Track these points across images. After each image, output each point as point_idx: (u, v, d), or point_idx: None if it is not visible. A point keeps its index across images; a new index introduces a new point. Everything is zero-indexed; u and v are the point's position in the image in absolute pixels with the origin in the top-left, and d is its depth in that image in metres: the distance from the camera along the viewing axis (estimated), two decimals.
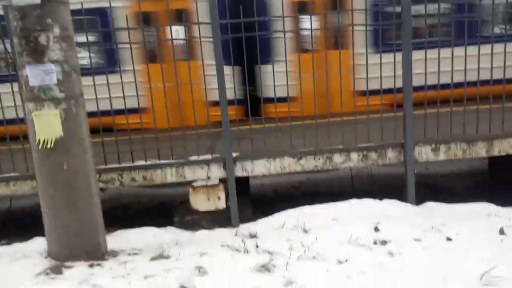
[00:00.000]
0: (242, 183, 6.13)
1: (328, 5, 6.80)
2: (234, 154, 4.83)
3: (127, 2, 7.04)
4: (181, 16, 6.79)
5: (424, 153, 4.98)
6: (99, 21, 6.77)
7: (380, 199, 4.86)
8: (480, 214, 4.45)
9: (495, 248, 3.46)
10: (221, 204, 4.89)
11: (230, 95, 4.89)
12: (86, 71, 4.50)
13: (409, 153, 4.88)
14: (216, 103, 4.87)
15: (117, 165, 4.71)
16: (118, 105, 4.78)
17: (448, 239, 3.81)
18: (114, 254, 3.96)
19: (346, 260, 3.50)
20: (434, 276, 3.05)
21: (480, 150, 4.93)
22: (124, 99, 4.69)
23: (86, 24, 4.62)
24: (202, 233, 4.55)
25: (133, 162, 4.76)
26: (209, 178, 4.86)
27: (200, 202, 4.87)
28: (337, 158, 5.00)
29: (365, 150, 4.99)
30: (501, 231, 3.80)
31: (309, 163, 4.98)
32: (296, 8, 7.24)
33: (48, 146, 3.55)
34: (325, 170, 5.17)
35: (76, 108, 3.67)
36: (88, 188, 3.78)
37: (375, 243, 3.81)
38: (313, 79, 4.87)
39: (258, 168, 4.91)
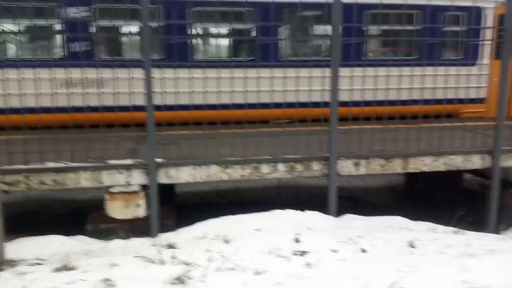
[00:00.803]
0: (167, 190, 5.91)
1: None
2: (158, 160, 4.63)
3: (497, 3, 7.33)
4: None
5: (346, 167, 5.15)
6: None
7: (303, 210, 4.92)
8: (394, 227, 4.67)
9: (405, 260, 3.62)
10: (141, 212, 4.63)
11: None
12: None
13: (332, 167, 5.01)
14: None
15: (24, 166, 4.28)
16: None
17: (363, 250, 3.92)
18: (12, 263, 3.57)
19: (265, 271, 3.45)
20: (348, 286, 3.10)
21: (397, 167, 5.21)
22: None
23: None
24: (117, 243, 4.27)
25: (42, 163, 4.36)
26: (128, 184, 4.59)
27: (117, 210, 4.58)
28: (265, 169, 5.00)
29: (291, 162, 5.04)
30: (411, 244, 4.00)
31: (236, 172, 4.92)
32: None
33: None
34: (252, 180, 5.13)
35: None
36: None
37: (294, 254, 3.82)
38: None
39: (183, 176, 4.75)
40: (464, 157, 5.25)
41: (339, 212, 5.16)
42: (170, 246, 3.88)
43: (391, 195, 7.65)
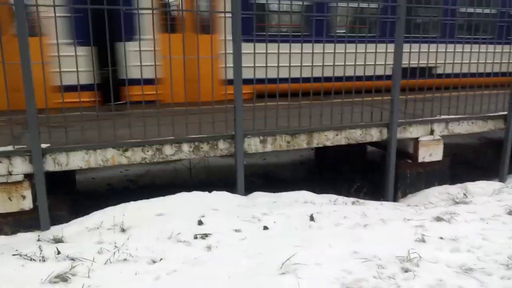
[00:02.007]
0: (66, 177, 5.43)
1: None
2: (43, 145, 4.17)
3: None
4: None
5: (253, 144, 5.10)
6: None
7: (210, 191, 4.80)
8: (298, 201, 4.75)
9: (304, 234, 3.68)
10: (27, 205, 4.17)
11: None
12: None
13: (238, 145, 4.92)
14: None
15: None
16: None
17: (265, 227, 3.92)
18: None
19: (161, 259, 3.28)
20: (243, 266, 3.05)
21: (302, 142, 5.28)
22: None
23: None
24: None
25: None
26: (10, 174, 4.09)
27: None
28: (168, 150, 4.76)
29: (196, 142, 4.86)
30: (311, 218, 4.07)
31: (137, 155, 4.62)
32: None
33: None
34: (155, 162, 4.87)
35: None
36: None
37: (195, 237, 3.69)
38: None
39: (75, 161, 4.34)
40: (363, 131, 5.47)
41: (251, 190, 5.13)
42: (57, 241, 3.53)
43: (302, 170, 7.85)
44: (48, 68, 4.64)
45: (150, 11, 5.83)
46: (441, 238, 3.49)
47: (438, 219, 3.96)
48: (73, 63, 4.28)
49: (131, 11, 6.45)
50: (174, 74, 4.75)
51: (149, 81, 4.80)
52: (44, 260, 3.12)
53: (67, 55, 4.47)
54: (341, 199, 4.84)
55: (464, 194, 5.49)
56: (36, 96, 4.00)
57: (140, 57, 4.37)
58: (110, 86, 4.92)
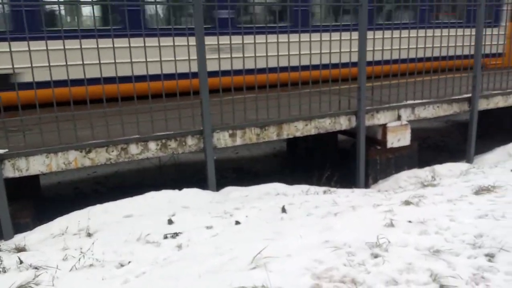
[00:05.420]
0: (28, 183, 5.21)
1: None
2: (1, 151, 3.98)
3: None
4: None
5: (222, 139, 5.03)
6: None
7: (181, 188, 4.71)
8: (270, 194, 4.73)
9: (275, 227, 3.64)
10: None
11: None
12: None
13: (207, 140, 4.85)
14: None
15: None
16: None
17: (237, 222, 3.87)
18: None
19: (129, 262, 3.18)
20: (213, 263, 2.99)
21: (272, 134, 5.25)
22: None
23: None
24: None
25: None
26: None
27: None
28: (134, 149, 4.63)
29: (164, 139, 4.75)
30: (283, 209, 4.05)
31: (101, 156, 4.48)
32: None
33: None
34: (121, 162, 4.73)
35: None
36: None
37: (165, 237, 3.60)
38: None
39: (35, 166, 4.16)
40: (332, 120, 5.49)
41: (223, 185, 5.07)
42: (20, 249, 3.38)
43: (275, 162, 7.84)
44: None
45: None
46: (410, 221, 3.52)
47: (407, 203, 4.00)
48: None
49: None
50: None
51: None
52: (5, 271, 2.97)
53: None
54: (313, 189, 4.84)
55: (432, 177, 5.61)
56: None
57: None
58: None
